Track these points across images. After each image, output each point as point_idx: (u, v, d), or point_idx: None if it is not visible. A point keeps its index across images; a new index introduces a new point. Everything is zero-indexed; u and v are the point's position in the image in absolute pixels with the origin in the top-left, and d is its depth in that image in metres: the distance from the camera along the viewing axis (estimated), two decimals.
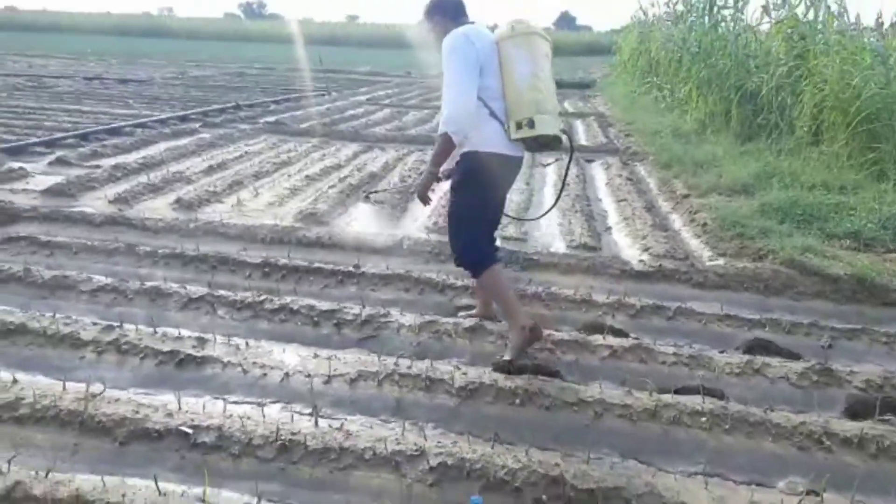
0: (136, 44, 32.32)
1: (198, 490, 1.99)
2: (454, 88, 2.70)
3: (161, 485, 1.99)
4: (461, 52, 2.70)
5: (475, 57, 2.71)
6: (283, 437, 2.20)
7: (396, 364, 2.73)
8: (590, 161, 7.84)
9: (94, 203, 5.09)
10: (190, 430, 2.23)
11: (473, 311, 3.32)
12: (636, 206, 5.51)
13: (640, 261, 4.10)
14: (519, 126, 2.70)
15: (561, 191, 3.59)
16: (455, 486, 2.04)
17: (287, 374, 2.67)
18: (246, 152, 7.34)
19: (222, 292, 3.38)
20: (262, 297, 3.29)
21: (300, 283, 3.66)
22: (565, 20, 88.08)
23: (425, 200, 2.97)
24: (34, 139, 7.28)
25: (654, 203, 5.78)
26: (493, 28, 2.93)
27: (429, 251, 4.16)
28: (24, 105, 10.35)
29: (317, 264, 3.81)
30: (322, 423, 2.34)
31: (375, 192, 3.42)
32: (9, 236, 4.12)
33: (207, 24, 50.40)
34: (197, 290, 3.40)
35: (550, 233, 4.86)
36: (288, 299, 3.30)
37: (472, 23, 2.87)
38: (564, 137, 2.84)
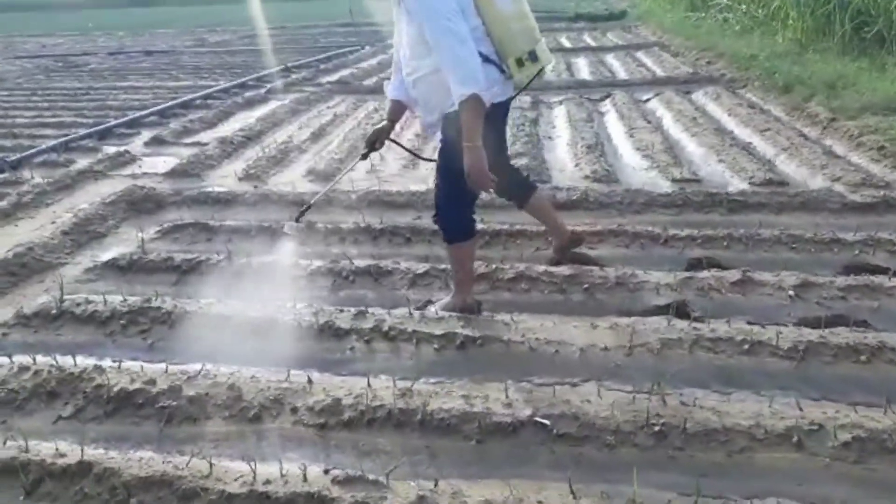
0: (128, 14, 31.03)
1: (602, 486, 1.80)
2: (451, 40, 2.25)
3: (558, 484, 1.81)
4: None
5: None
6: (652, 421, 2.00)
7: (696, 328, 2.51)
8: (687, 93, 7.43)
9: (225, 181, 4.85)
10: (546, 421, 2.03)
11: (553, 245, 3.23)
12: (787, 134, 5.19)
13: (854, 192, 3.82)
14: (520, 63, 2.40)
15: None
16: (882, 461, 1.84)
17: (582, 349, 2.46)
18: (335, 115, 7.01)
19: (444, 266, 3.15)
20: (494, 267, 3.06)
21: (508, 248, 3.43)
22: None
23: (489, 184, 2.36)
24: (113, 121, 6.95)
25: (799, 129, 5.44)
26: None
27: (619, 201, 3.90)
28: (72, 86, 9.97)
29: (517, 226, 3.56)
30: (669, 400, 2.14)
31: (304, 211, 2.95)
32: (174, 224, 3.88)
33: None
34: (415, 265, 3.17)
35: (717, 170, 4.58)
36: (521, 267, 3.06)
37: None
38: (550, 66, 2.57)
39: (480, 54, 2.34)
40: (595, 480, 1.84)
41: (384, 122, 2.92)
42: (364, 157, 3.04)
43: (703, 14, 12.03)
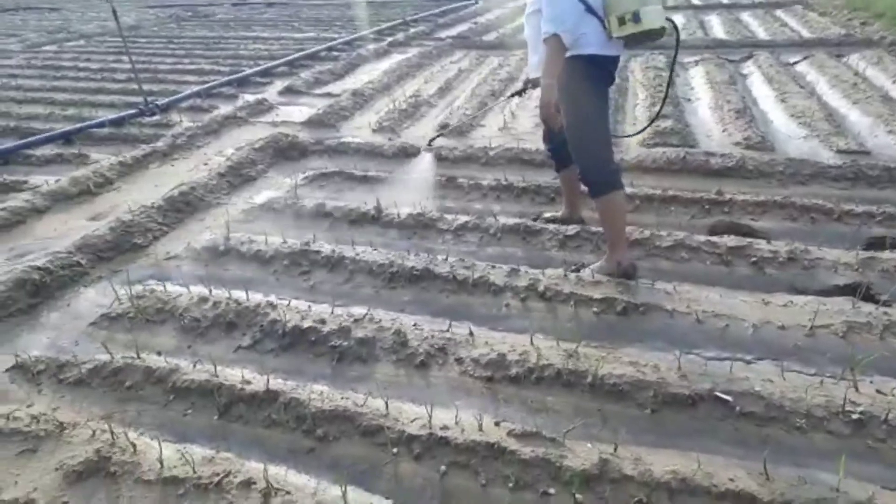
0: None
1: (796, 471, 1.70)
2: None
3: (746, 463, 1.72)
4: None
5: None
6: (848, 408, 1.87)
7: (886, 313, 2.31)
8: (839, 56, 6.77)
9: (360, 132, 4.92)
10: (729, 397, 1.94)
11: (558, 214, 3.26)
12: None
13: None
14: (622, 22, 2.38)
15: (666, 92, 3.05)
16: None
17: (755, 326, 2.32)
18: (459, 70, 6.93)
19: (594, 228, 3.05)
20: (650, 234, 2.94)
21: (661, 214, 3.28)
22: None
23: (554, 121, 2.53)
24: (248, 70, 7.21)
25: None
26: None
27: (781, 171, 3.62)
28: (203, 35, 10.43)
29: (670, 192, 3.40)
30: (862, 387, 1.98)
31: (439, 134, 3.41)
32: (319, 172, 4.00)
33: None
34: (563, 226, 3.10)
35: (887, 142, 4.15)
36: (679, 234, 2.92)
37: None
38: (670, 26, 2.42)
39: (584, 3, 2.41)
40: (786, 464, 1.74)
41: None
42: (518, 94, 3.26)
43: None
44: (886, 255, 2.70)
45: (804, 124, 4.52)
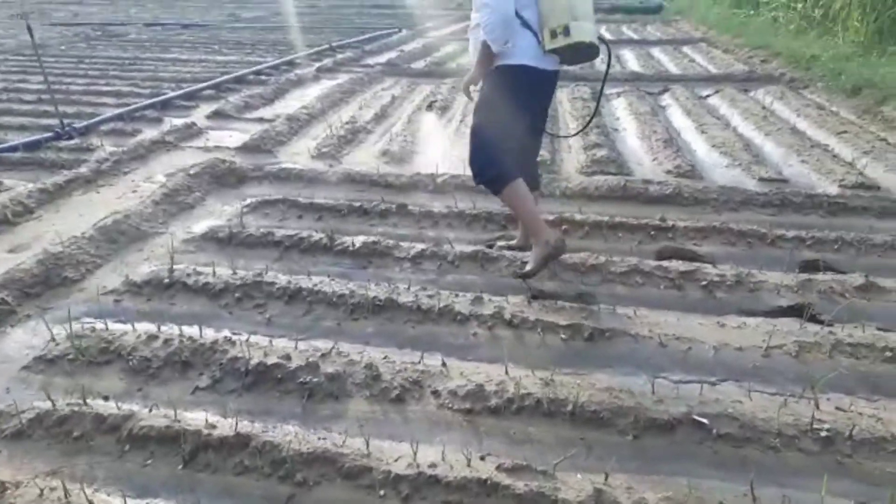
0: None
1: (778, 490, 1.76)
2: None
3: (729, 485, 1.77)
4: None
5: None
6: (815, 427, 1.96)
7: (832, 332, 2.46)
8: (746, 91, 7.31)
9: (298, 158, 4.81)
10: (705, 420, 1.99)
11: (513, 242, 3.26)
12: (866, 138, 5.08)
13: None
14: (553, 35, 2.57)
15: (596, 109, 3.36)
16: None
17: (715, 348, 2.42)
18: (393, 97, 6.92)
19: None
20: (603, 260, 3.01)
21: (609, 241, 3.37)
22: None
23: (468, 95, 2.87)
24: (171, 92, 6.91)
25: (876, 133, 5.33)
26: None
27: (714, 198, 3.83)
28: (118, 56, 9.93)
29: (617, 218, 3.51)
30: (822, 405, 2.09)
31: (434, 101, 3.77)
32: (263, 199, 3.85)
33: None
34: (521, 253, 3.12)
35: (801, 171, 4.48)
36: (633, 260, 3.01)
37: None
38: (602, 46, 2.70)
39: (521, 18, 2.59)
40: (767, 484, 1.80)
41: None
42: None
43: (752, 11, 11.81)
44: (821, 277, 2.89)
45: (725, 154, 4.81)
